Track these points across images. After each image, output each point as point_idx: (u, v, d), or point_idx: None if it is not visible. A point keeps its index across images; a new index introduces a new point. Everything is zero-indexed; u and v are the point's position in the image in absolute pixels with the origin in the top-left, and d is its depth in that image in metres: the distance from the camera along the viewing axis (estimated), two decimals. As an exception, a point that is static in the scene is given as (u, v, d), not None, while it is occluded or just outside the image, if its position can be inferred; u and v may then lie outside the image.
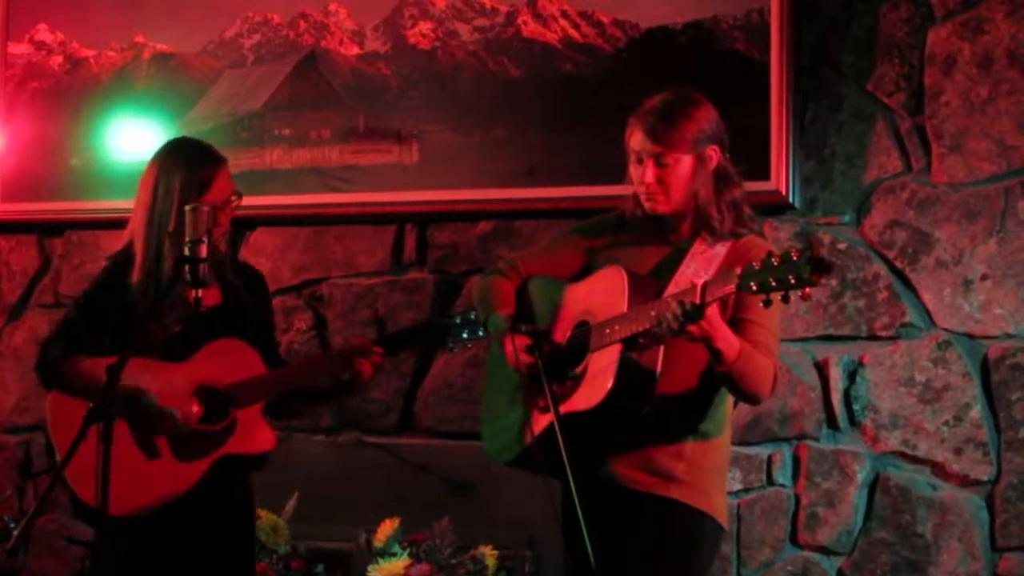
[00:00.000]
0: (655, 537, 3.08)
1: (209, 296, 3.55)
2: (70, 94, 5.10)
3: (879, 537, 4.16)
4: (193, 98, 4.94)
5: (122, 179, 4.92)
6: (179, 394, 3.44)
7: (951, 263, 4.16)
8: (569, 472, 2.86)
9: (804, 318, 4.24)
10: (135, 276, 3.46)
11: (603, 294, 3.08)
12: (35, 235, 5.13)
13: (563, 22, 4.55)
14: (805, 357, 4.24)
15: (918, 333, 4.19)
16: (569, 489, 3.07)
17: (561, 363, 3.13)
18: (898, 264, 4.21)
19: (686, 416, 3.10)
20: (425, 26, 4.72)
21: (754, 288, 2.66)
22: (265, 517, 4.26)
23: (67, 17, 5.12)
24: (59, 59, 5.13)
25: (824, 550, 4.21)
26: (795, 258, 2.61)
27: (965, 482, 4.12)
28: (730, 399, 3.16)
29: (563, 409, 3.04)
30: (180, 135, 4.81)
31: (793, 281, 2.61)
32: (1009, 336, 4.11)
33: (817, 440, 4.24)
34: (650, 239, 3.18)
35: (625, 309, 2.99)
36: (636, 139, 3.09)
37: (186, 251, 3.11)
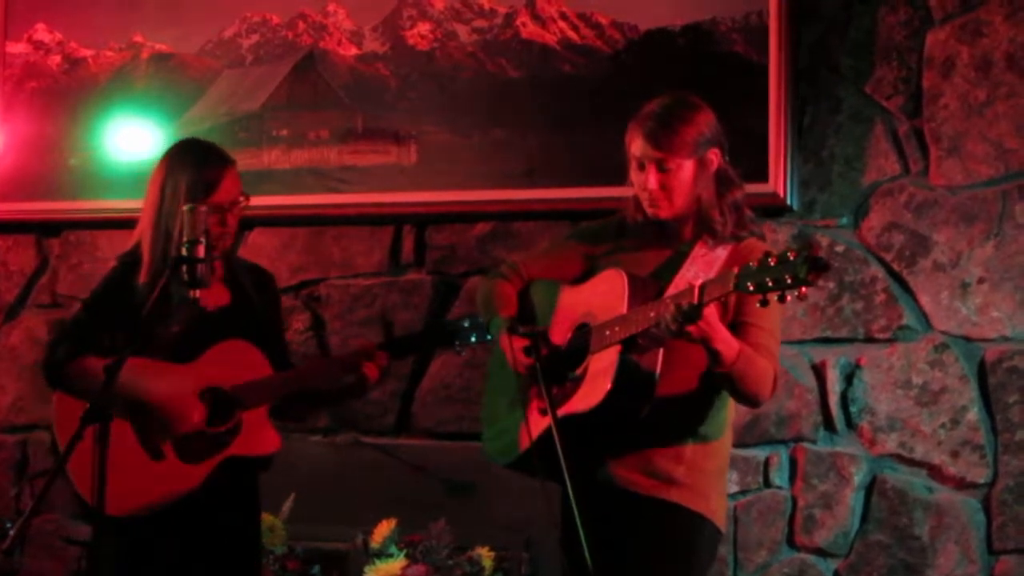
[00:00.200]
0: (654, 540, 3.09)
1: (217, 297, 3.57)
2: (68, 94, 5.09)
3: (876, 539, 4.16)
4: (191, 98, 4.94)
5: (120, 179, 4.93)
6: (185, 396, 3.44)
7: (948, 266, 4.16)
8: (566, 474, 2.86)
9: (801, 320, 4.24)
10: (142, 277, 3.46)
11: (603, 296, 3.08)
12: (33, 235, 5.12)
13: (562, 23, 4.55)
14: (802, 359, 4.25)
15: (915, 336, 4.19)
16: (575, 490, 3.08)
17: (562, 365, 3.13)
18: (895, 267, 4.21)
19: (686, 418, 3.10)
20: (424, 27, 4.72)
21: (751, 288, 2.67)
22: (262, 517, 4.25)
23: (65, 17, 5.11)
24: (57, 59, 5.12)
25: (821, 552, 4.21)
26: (792, 258, 2.61)
27: (962, 485, 4.12)
28: (731, 402, 3.16)
29: (563, 411, 3.04)
30: (179, 135, 4.84)
31: (790, 281, 2.61)
32: (1006, 339, 4.11)
33: (814, 442, 4.24)
34: (651, 243, 3.18)
35: (625, 311, 2.99)
36: (637, 145, 3.09)
37: (183, 251, 3.12)
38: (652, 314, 2.89)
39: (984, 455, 4.10)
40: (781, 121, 4.21)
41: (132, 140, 4.93)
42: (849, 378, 4.23)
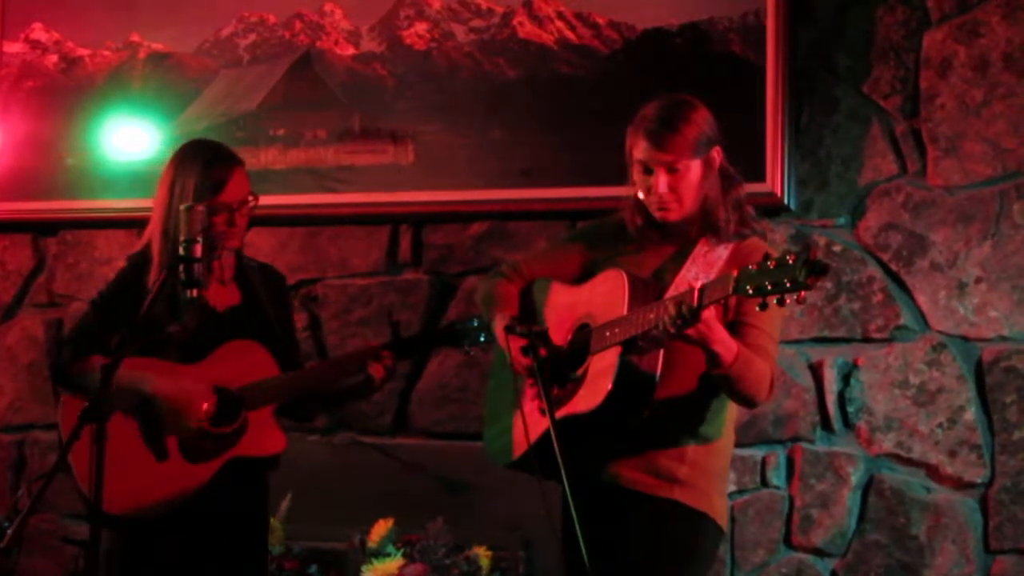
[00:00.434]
0: (657, 538, 3.08)
1: (227, 297, 3.58)
2: (65, 93, 5.08)
3: (873, 539, 4.16)
4: (188, 98, 4.93)
5: (117, 179, 4.93)
6: (194, 390, 3.45)
7: (946, 266, 4.16)
8: (564, 474, 2.86)
9: (799, 320, 4.24)
10: (151, 276, 3.47)
11: (604, 296, 3.08)
12: (29, 234, 5.11)
13: (559, 23, 4.55)
14: (799, 359, 4.25)
15: (912, 335, 4.19)
16: (573, 491, 3.08)
17: (563, 365, 3.13)
18: (893, 267, 4.21)
19: (687, 419, 3.09)
20: (421, 27, 4.72)
21: (750, 291, 2.67)
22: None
23: (62, 16, 5.11)
24: (54, 58, 5.12)
25: (818, 552, 4.21)
26: (791, 262, 2.61)
27: (959, 485, 4.12)
28: (732, 404, 3.15)
29: (563, 411, 3.04)
30: (176, 135, 4.87)
31: (789, 284, 2.61)
32: (1003, 339, 4.11)
33: (811, 442, 4.24)
34: (652, 242, 3.18)
35: (625, 312, 2.99)
36: (640, 149, 3.08)
37: (181, 251, 3.12)
38: (652, 316, 2.88)
39: (981, 455, 4.10)
40: (778, 121, 4.21)
41: (129, 140, 4.93)
42: (846, 378, 4.23)
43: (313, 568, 4.34)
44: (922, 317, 4.18)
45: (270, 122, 4.82)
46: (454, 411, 4.56)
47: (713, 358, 2.91)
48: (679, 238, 3.15)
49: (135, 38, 5.02)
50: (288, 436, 3.55)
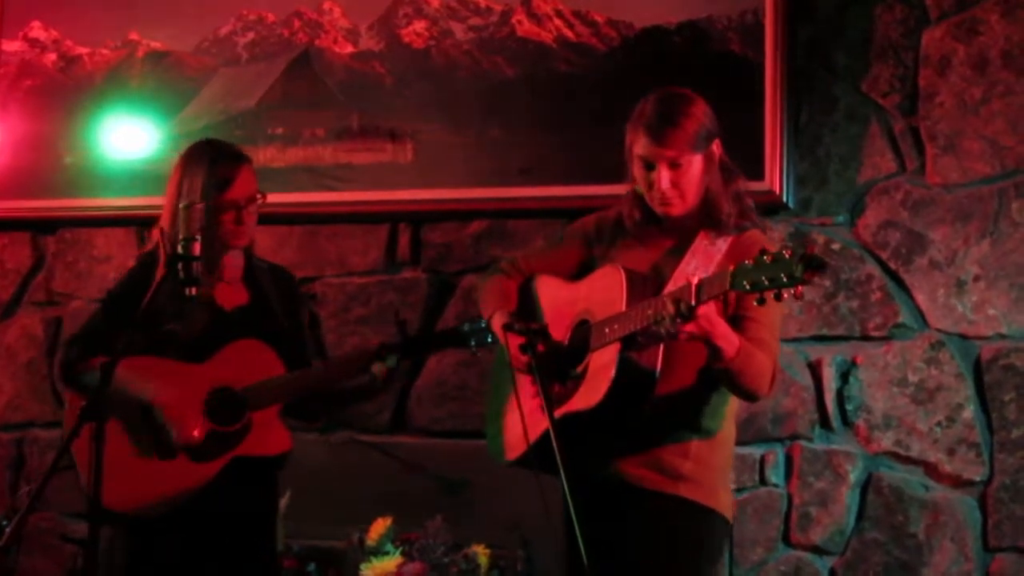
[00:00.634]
0: (665, 535, 3.07)
1: (236, 297, 3.59)
2: (64, 92, 5.09)
3: (871, 537, 4.17)
4: (187, 96, 4.93)
5: (116, 177, 4.93)
6: (192, 398, 3.46)
7: (944, 264, 4.16)
8: (563, 473, 2.85)
9: (797, 318, 4.24)
10: (160, 274, 3.47)
11: (602, 292, 3.08)
12: (28, 232, 5.11)
13: (557, 21, 4.55)
14: (798, 357, 4.25)
15: (911, 334, 4.19)
16: (572, 489, 3.07)
17: (563, 362, 3.13)
18: (891, 265, 4.21)
19: (689, 414, 3.09)
20: (419, 25, 4.72)
21: (747, 287, 2.66)
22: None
23: (61, 15, 5.11)
24: (53, 57, 5.12)
25: (817, 550, 4.22)
26: (787, 256, 2.61)
27: (958, 483, 4.12)
28: (733, 398, 3.14)
29: (564, 409, 3.04)
30: (174, 133, 4.87)
31: (786, 280, 2.61)
32: (1002, 337, 4.11)
33: (810, 440, 4.25)
34: (652, 236, 3.17)
35: (624, 308, 2.98)
36: (641, 145, 3.07)
37: (179, 249, 3.12)
38: (650, 312, 2.88)
39: (980, 453, 4.10)
40: (777, 119, 4.21)
41: (128, 138, 4.93)
42: (845, 376, 4.23)
43: (312, 566, 4.34)
44: (921, 315, 4.18)
45: (268, 120, 4.82)
46: (453, 409, 4.56)
47: (715, 352, 2.90)
48: (678, 232, 3.14)
49: (134, 36, 5.02)
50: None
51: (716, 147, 3.10)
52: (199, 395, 3.48)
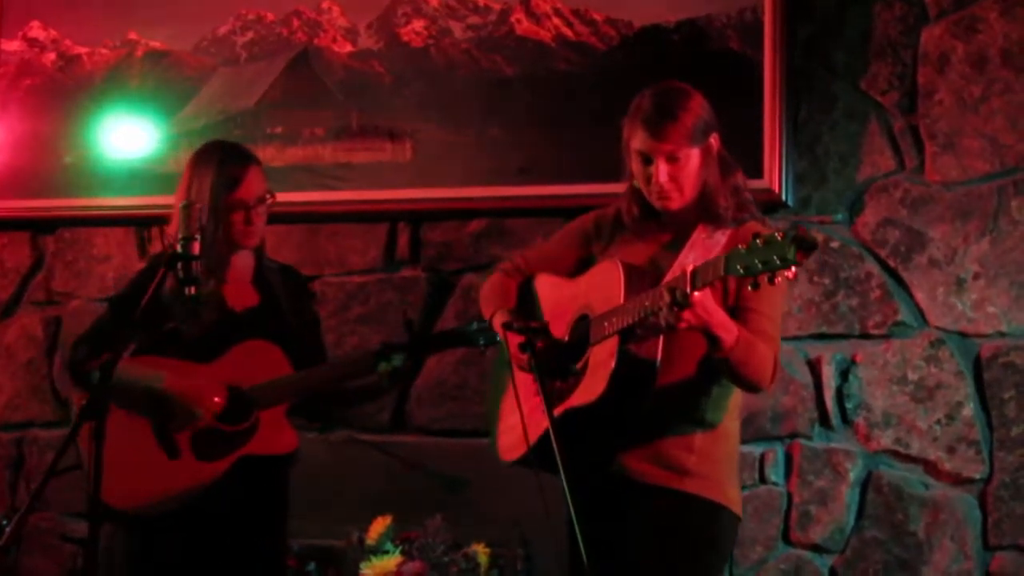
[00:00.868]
0: (672, 531, 3.06)
1: (246, 298, 3.60)
2: (63, 91, 5.09)
3: (871, 535, 4.16)
4: (186, 96, 4.93)
5: (115, 177, 4.93)
6: (206, 391, 3.47)
7: (944, 262, 4.16)
8: (563, 472, 2.85)
9: (797, 316, 4.24)
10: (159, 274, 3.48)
11: (600, 287, 3.08)
12: (28, 232, 5.12)
13: (556, 20, 4.55)
14: (798, 355, 4.25)
15: (911, 332, 4.19)
16: (576, 487, 3.07)
17: (564, 359, 3.13)
18: (891, 263, 4.21)
19: (691, 406, 3.08)
20: (418, 24, 4.72)
21: (741, 271, 2.66)
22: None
23: (60, 14, 5.11)
24: (52, 56, 5.12)
25: (817, 548, 4.21)
26: (780, 239, 2.61)
27: (957, 481, 4.12)
28: (736, 390, 3.13)
29: (566, 405, 3.04)
30: (174, 133, 4.88)
31: (779, 262, 2.61)
32: (1002, 335, 4.11)
33: (810, 438, 4.24)
34: (651, 231, 3.17)
35: (622, 301, 2.98)
36: (639, 139, 3.06)
37: (178, 248, 3.13)
38: (647, 303, 2.87)
39: (980, 451, 4.10)
40: (776, 117, 4.21)
41: (127, 138, 4.93)
42: (845, 374, 4.23)
43: (312, 565, 4.34)
44: (920, 313, 4.18)
45: (268, 120, 4.82)
46: (452, 408, 4.56)
47: (714, 342, 2.89)
48: (676, 226, 3.13)
49: (133, 36, 5.02)
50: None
51: (714, 141, 3.10)
52: (212, 389, 3.50)
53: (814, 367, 4.25)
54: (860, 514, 4.19)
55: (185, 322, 3.54)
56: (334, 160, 4.73)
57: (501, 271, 3.40)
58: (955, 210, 4.16)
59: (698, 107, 3.07)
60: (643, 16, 4.43)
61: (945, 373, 4.14)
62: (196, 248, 3.13)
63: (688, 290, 2.77)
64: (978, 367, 4.13)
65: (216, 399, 3.49)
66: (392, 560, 4.14)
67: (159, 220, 4.75)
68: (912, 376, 4.16)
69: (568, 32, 4.54)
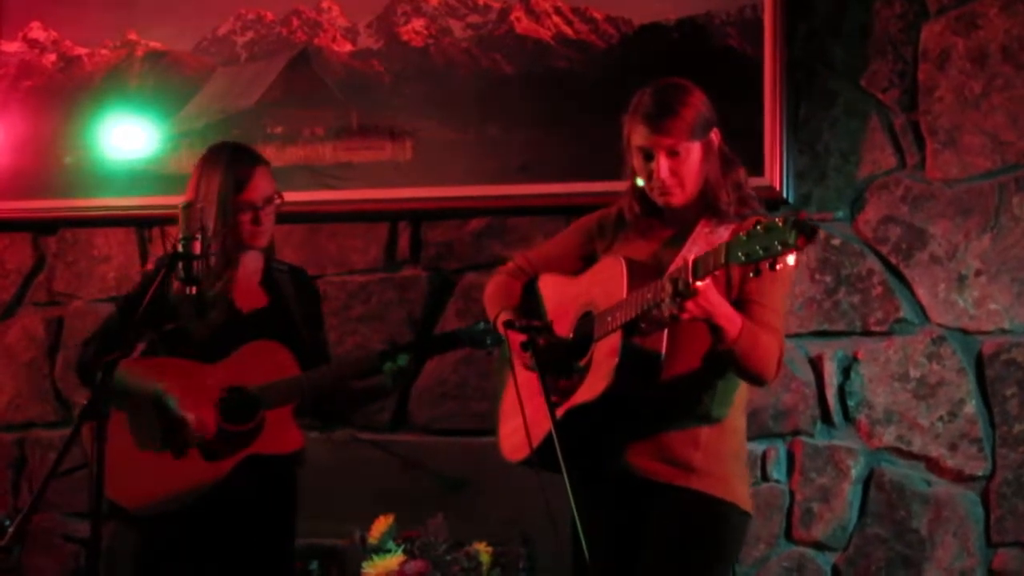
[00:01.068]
0: (679, 530, 3.06)
1: (254, 299, 3.61)
2: (63, 92, 5.09)
3: (874, 533, 4.16)
4: (186, 96, 4.93)
5: (116, 177, 4.94)
6: (205, 396, 3.48)
7: (945, 259, 4.16)
8: (565, 472, 2.85)
9: (798, 314, 4.24)
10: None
11: (604, 283, 3.07)
12: (29, 233, 5.12)
13: (556, 19, 4.55)
14: (799, 353, 4.24)
15: (912, 329, 4.18)
16: (582, 486, 3.07)
17: (568, 356, 3.12)
18: (892, 260, 4.21)
19: (696, 400, 3.07)
20: (418, 23, 4.71)
21: (742, 258, 2.65)
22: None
23: (60, 15, 5.11)
24: (52, 57, 5.12)
25: (819, 546, 4.21)
26: (781, 224, 2.60)
27: (960, 478, 4.12)
28: (742, 385, 3.13)
29: (571, 402, 3.04)
30: (174, 133, 4.88)
31: (780, 247, 2.60)
32: (1004, 331, 4.11)
33: (811, 436, 4.24)
34: (653, 228, 3.17)
35: (625, 296, 2.98)
36: (640, 135, 3.06)
37: (179, 248, 3.13)
38: (650, 296, 2.87)
39: (982, 448, 4.09)
40: (776, 115, 4.21)
41: (127, 138, 4.93)
42: (846, 371, 4.23)
43: (314, 565, 4.35)
44: (922, 310, 4.18)
45: (268, 119, 4.82)
46: (453, 408, 4.56)
47: (717, 333, 2.89)
48: (678, 223, 3.13)
49: (132, 36, 5.02)
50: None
51: (715, 136, 3.10)
52: (212, 393, 3.52)
53: (816, 364, 4.25)
54: (862, 511, 4.18)
55: (192, 322, 3.55)
56: (334, 159, 4.73)
57: (505, 272, 3.40)
58: (956, 207, 4.16)
59: (698, 102, 3.07)
60: (643, 14, 4.43)
61: (947, 370, 4.13)
62: (197, 248, 3.13)
63: (690, 280, 2.76)
64: (980, 364, 4.12)
65: (210, 422, 3.48)
66: (394, 559, 4.13)
67: (160, 220, 4.79)
68: (914, 373, 4.16)
69: (568, 30, 4.53)
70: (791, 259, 2.61)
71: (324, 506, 4.34)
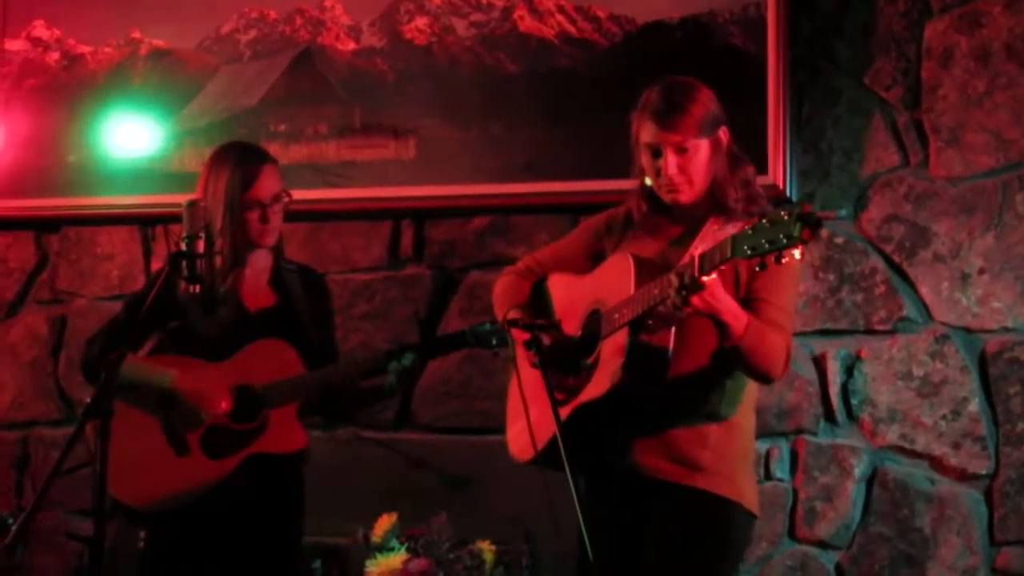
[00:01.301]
0: (684, 528, 3.05)
1: (262, 298, 3.61)
2: (67, 90, 5.09)
3: (877, 531, 4.16)
4: (189, 94, 4.93)
5: (119, 176, 4.94)
6: (213, 393, 3.48)
7: (949, 257, 4.16)
8: (568, 471, 2.85)
9: (802, 313, 4.23)
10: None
11: (612, 281, 3.07)
12: (32, 231, 5.12)
13: (559, 17, 4.55)
14: (803, 351, 4.24)
15: (916, 327, 4.18)
16: (590, 485, 3.07)
17: (576, 355, 3.12)
18: (896, 258, 4.21)
19: (704, 399, 3.06)
20: (421, 21, 4.72)
21: (748, 252, 2.65)
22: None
23: (64, 14, 5.11)
24: (56, 56, 5.13)
25: (822, 544, 4.21)
26: (785, 218, 2.61)
27: (963, 476, 4.11)
28: (751, 384, 3.13)
29: (578, 400, 3.04)
30: (177, 132, 4.89)
31: (785, 240, 2.60)
32: (1007, 330, 4.10)
33: (815, 434, 4.24)
34: (661, 226, 3.17)
35: (633, 293, 2.98)
36: (648, 132, 3.06)
37: (182, 246, 3.13)
38: (656, 291, 2.86)
39: (985, 446, 4.09)
40: (779, 113, 4.21)
41: (131, 136, 4.93)
42: (850, 370, 4.23)
43: (317, 563, 4.34)
44: (925, 309, 4.18)
45: (271, 118, 4.82)
46: (456, 406, 4.56)
47: (723, 329, 2.88)
48: (687, 221, 3.12)
49: (136, 35, 5.02)
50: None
51: (723, 134, 3.10)
52: (222, 388, 3.52)
53: (819, 363, 4.25)
54: (866, 510, 4.18)
55: (200, 321, 3.55)
56: (338, 158, 4.74)
57: (513, 272, 3.40)
58: (959, 205, 4.15)
59: (707, 99, 3.08)
60: (646, 12, 4.43)
61: (950, 368, 4.13)
62: (200, 246, 3.14)
63: (696, 274, 2.76)
64: (983, 362, 4.12)
65: (222, 403, 3.50)
66: (397, 557, 4.13)
67: (163, 218, 4.79)
68: (917, 372, 4.16)
69: (571, 29, 4.53)
70: (797, 253, 2.61)
71: (327, 504, 4.33)
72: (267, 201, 3.57)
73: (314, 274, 3.84)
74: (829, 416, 4.24)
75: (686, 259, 2.89)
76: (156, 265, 4.85)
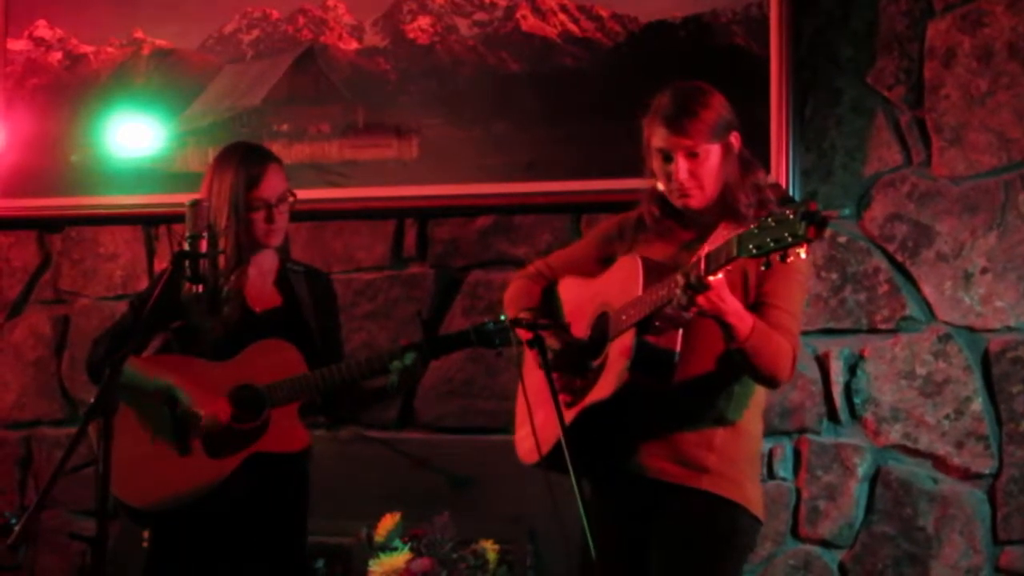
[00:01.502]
0: (688, 530, 3.06)
1: (267, 299, 3.61)
2: (69, 90, 5.09)
3: (880, 530, 4.16)
4: (192, 94, 4.94)
5: (122, 175, 4.94)
6: (214, 393, 3.49)
7: (951, 256, 4.16)
8: (572, 473, 2.86)
9: (805, 312, 4.21)
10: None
11: (620, 283, 3.07)
12: (35, 231, 5.12)
13: (562, 16, 4.55)
14: (806, 351, 4.24)
15: (919, 326, 4.18)
16: (596, 487, 3.07)
17: (584, 356, 3.12)
18: (898, 257, 4.21)
19: (711, 402, 3.07)
20: (424, 21, 4.72)
21: (753, 251, 2.65)
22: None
23: (66, 13, 5.11)
24: (58, 55, 5.13)
25: (825, 543, 4.21)
26: (791, 216, 2.61)
27: (966, 475, 4.11)
28: (759, 390, 3.12)
29: (585, 401, 3.04)
30: (180, 131, 4.89)
31: (791, 239, 2.60)
32: (1010, 329, 4.10)
33: (818, 434, 4.24)
34: (672, 231, 3.16)
35: (640, 294, 2.98)
36: (660, 136, 3.06)
37: (185, 246, 3.13)
38: (663, 292, 2.87)
39: (988, 445, 4.09)
40: (782, 112, 4.21)
41: (133, 136, 4.93)
42: (853, 369, 4.23)
43: (320, 563, 4.35)
44: (928, 308, 4.18)
45: (274, 117, 4.83)
46: (459, 405, 4.56)
47: (728, 331, 2.88)
48: (698, 226, 3.12)
49: (139, 34, 5.02)
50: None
51: (735, 139, 3.09)
52: (221, 390, 3.52)
53: (822, 362, 4.25)
54: (869, 509, 4.18)
55: (204, 321, 3.56)
56: (340, 157, 4.74)
57: (524, 276, 3.40)
58: (962, 204, 4.15)
59: (719, 104, 3.08)
60: (649, 12, 4.43)
61: (953, 368, 4.13)
62: (203, 246, 3.14)
63: (702, 273, 2.76)
64: (986, 361, 4.12)
65: (222, 403, 3.50)
66: (401, 557, 4.14)
67: (166, 218, 4.80)
68: (920, 371, 4.16)
69: (574, 28, 4.53)
70: (802, 252, 2.61)
71: (330, 504, 4.34)
72: (272, 201, 3.57)
73: (321, 276, 3.84)
74: (832, 415, 4.24)
75: (693, 260, 2.89)
76: (159, 265, 4.85)
